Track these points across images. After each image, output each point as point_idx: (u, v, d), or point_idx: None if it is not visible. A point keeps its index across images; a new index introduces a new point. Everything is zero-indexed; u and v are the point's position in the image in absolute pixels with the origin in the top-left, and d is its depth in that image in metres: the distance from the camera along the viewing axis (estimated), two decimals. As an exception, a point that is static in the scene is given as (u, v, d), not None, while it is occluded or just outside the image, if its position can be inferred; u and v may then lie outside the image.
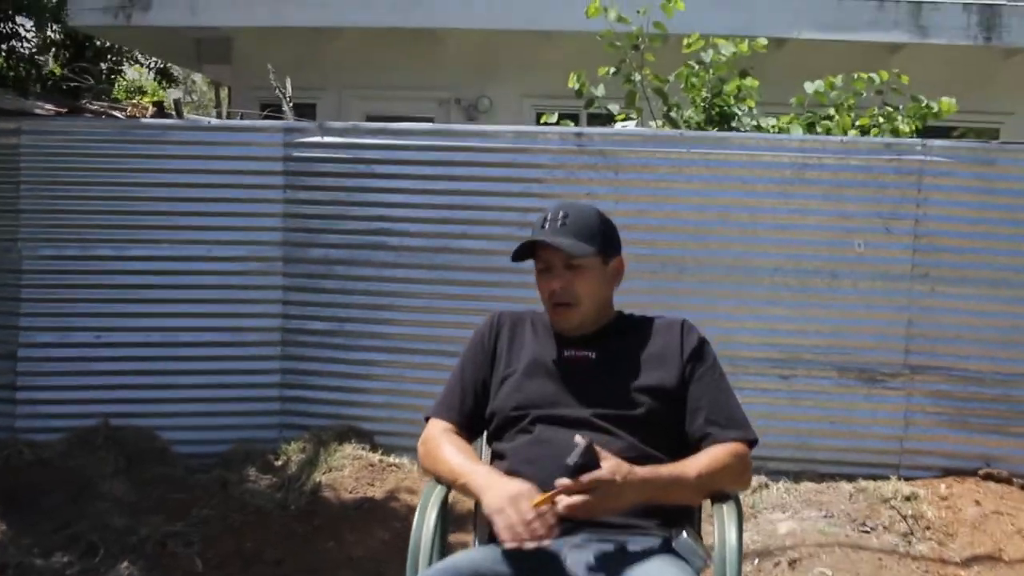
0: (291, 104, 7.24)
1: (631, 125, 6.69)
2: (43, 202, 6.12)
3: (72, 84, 10.31)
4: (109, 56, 13.26)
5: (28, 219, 6.11)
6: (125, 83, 14.42)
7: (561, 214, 2.64)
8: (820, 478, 5.72)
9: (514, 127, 6.25)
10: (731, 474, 2.55)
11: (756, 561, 4.74)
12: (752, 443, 2.62)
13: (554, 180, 5.98)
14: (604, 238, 2.69)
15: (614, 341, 2.70)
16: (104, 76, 12.45)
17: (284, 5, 9.54)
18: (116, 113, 6.70)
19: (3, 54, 11.41)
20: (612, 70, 6.80)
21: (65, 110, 6.59)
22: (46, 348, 6.12)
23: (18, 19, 10.91)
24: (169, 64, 13.69)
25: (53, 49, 12.56)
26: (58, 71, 12.43)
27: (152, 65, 13.96)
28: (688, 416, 2.62)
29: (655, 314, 2.82)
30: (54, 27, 10.98)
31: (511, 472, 2.48)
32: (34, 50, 11.98)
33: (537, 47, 10.16)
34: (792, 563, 4.69)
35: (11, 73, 11.14)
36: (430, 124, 6.83)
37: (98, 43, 12.68)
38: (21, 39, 11.20)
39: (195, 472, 5.68)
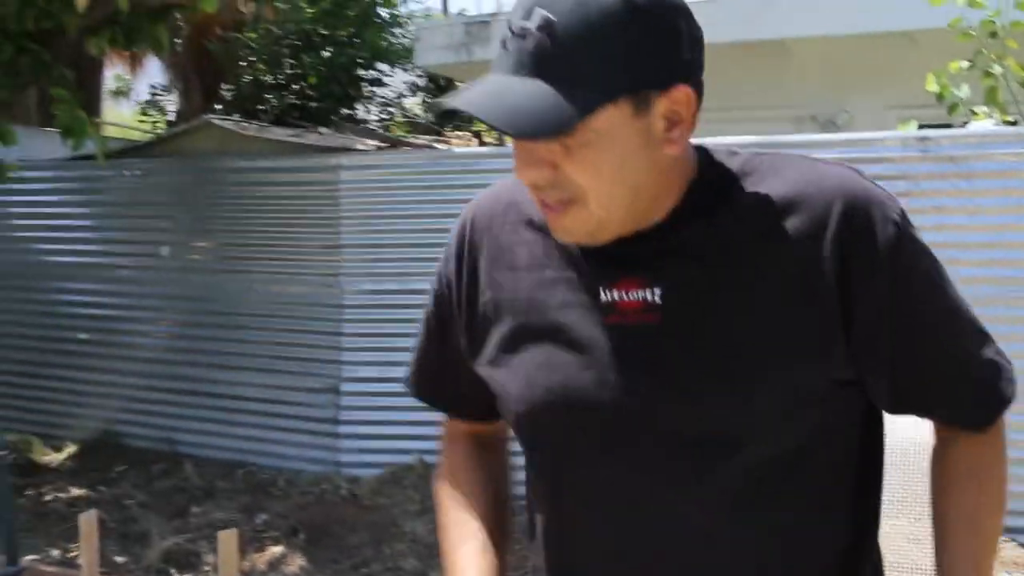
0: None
1: (990, 124, 5.80)
2: (362, 236, 6.14)
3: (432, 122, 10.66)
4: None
5: (349, 254, 6.16)
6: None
7: (536, 20, 1.15)
8: None
9: (846, 135, 5.60)
10: (998, 504, 1.38)
11: None
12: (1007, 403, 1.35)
13: (895, 193, 5.25)
14: (628, 55, 1.17)
15: (701, 246, 1.27)
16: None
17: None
18: (439, 145, 6.67)
19: (371, 98, 11.96)
20: (966, 64, 5.95)
21: (387, 144, 6.62)
22: (366, 383, 6.11)
23: (379, 65, 11.38)
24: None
25: (416, 91, 13.05)
26: (419, 111, 12.90)
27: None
28: (876, 386, 1.31)
29: (789, 161, 1.32)
30: (413, 70, 11.36)
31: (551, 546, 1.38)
32: (397, 94, 12.48)
33: (902, 51, 9.29)
34: None
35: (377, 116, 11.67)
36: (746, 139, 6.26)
37: (457, 82, 13.05)
38: (383, 84, 11.69)
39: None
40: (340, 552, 4.99)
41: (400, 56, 10.84)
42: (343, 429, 6.13)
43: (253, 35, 10.99)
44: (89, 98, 14.20)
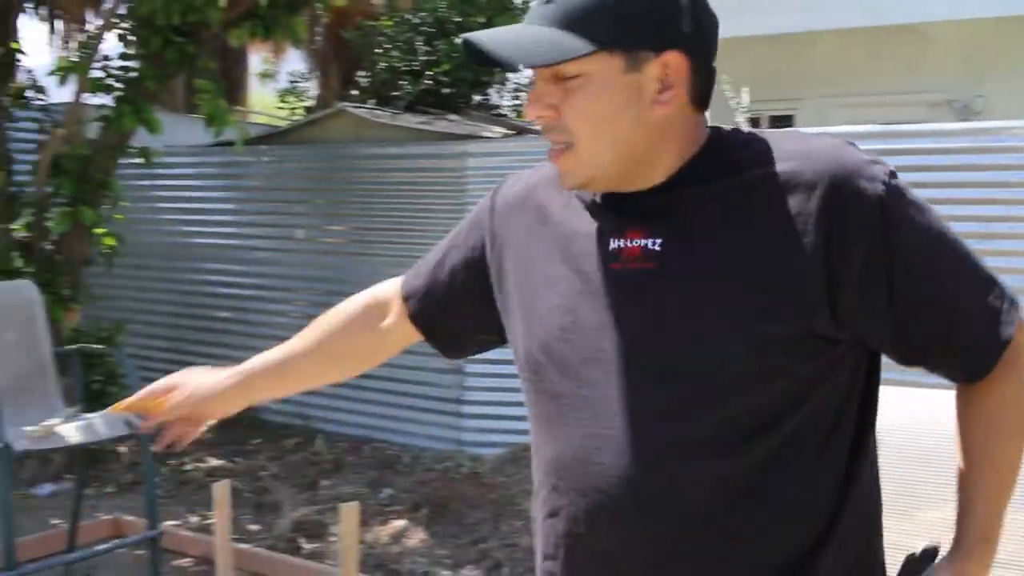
0: (746, 117, 6.93)
1: None
2: (488, 222, 6.29)
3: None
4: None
5: (474, 239, 6.31)
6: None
7: None
8: None
9: (977, 123, 5.48)
10: (1019, 434, 1.46)
11: None
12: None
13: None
14: (627, 18, 1.34)
15: (701, 207, 1.39)
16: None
17: (745, 15, 9.21)
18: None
19: (503, 84, 12.09)
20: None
21: (514, 131, 6.75)
22: (489, 364, 6.26)
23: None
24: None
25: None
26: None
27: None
28: (881, 338, 1.39)
29: (787, 138, 1.42)
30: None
31: (547, 509, 1.50)
32: (529, 79, 12.60)
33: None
34: None
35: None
36: (876, 126, 6.17)
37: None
38: (515, 70, 11.82)
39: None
40: (460, 528, 5.15)
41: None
42: (466, 409, 6.30)
43: (389, 23, 11.24)
44: (234, 84, 14.78)
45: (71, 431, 4.07)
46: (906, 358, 1.42)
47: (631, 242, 1.40)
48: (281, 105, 14.44)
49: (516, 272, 1.55)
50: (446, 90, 10.76)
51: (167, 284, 7.95)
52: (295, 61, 14.47)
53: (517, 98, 12.50)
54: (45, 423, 4.08)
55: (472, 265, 1.64)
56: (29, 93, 7.01)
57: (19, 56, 6.89)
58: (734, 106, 6.92)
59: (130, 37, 6.44)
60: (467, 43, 1.40)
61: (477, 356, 6.00)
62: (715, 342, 1.33)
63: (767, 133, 1.43)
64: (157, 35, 6.20)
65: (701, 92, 1.39)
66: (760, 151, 1.39)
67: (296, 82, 13.82)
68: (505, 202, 1.61)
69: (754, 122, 10.45)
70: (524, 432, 5.63)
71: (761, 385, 1.33)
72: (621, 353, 1.37)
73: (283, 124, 9.94)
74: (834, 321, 1.33)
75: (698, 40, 1.36)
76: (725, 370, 1.33)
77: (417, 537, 5.02)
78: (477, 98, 11.22)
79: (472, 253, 1.64)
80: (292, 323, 7.31)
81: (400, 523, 5.18)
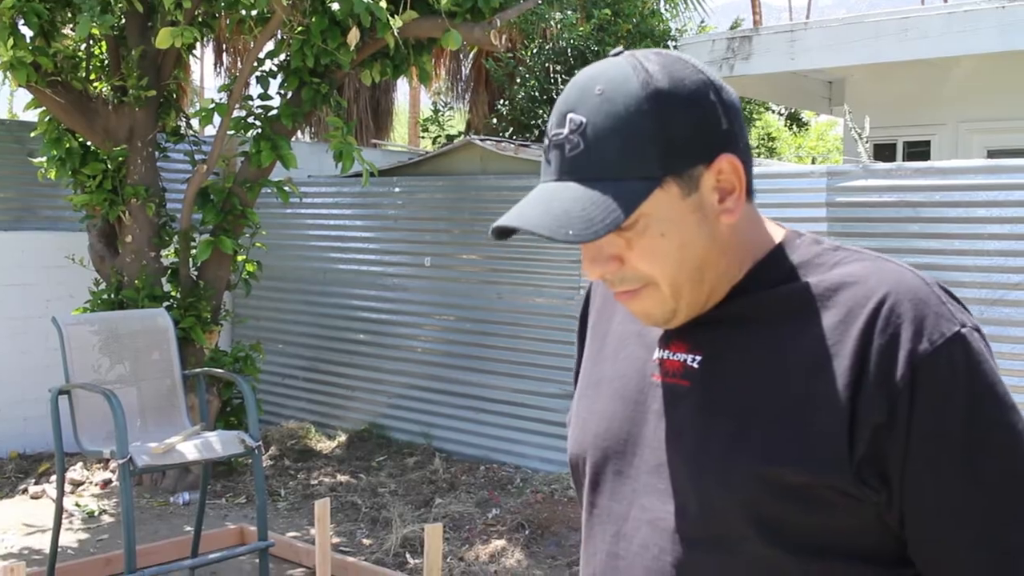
0: (867, 143, 6.95)
1: None
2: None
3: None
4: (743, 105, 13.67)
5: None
6: (756, 130, 14.74)
7: (569, 126, 1.20)
8: None
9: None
10: None
11: None
12: None
13: None
14: (672, 142, 1.18)
15: (745, 321, 1.27)
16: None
17: (881, 41, 9.15)
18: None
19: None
20: None
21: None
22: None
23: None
24: (798, 109, 13.77)
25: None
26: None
27: (783, 111, 14.14)
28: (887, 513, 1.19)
29: (861, 256, 1.26)
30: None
31: None
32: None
33: None
34: None
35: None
36: (983, 161, 6.12)
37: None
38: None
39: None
40: (558, 549, 5.36)
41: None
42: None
43: (528, 53, 11.55)
44: (381, 113, 15.32)
45: (190, 448, 4.47)
46: (909, 550, 1.21)
47: (673, 355, 1.30)
48: (423, 134, 14.94)
49: (584, 368, 1.47)
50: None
51: (306, 307, 8.42)
52: (439, 90, 14.95)
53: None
54: (168, 440, 4.48)
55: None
56: (182, 128, 7.55)
57: (175, 95, 7.44)
58: (855, 136, 6.95)
59: (269, 79, 6.89)
60: (499, 228, 1.24)
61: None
62: (722, 490, 1.21)
63: (846, 248, 1.27)
64: (293, 76, 6.65)
65: (750, 182, 1.26)
66: (826, 265, 1.25)
67: (437, 111, 14.27)
68: (598, 293, 1.51)
69: (889, 148, 10.36)
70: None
71: (777, 534, 1.19)
72: (645, 471, 1.29)
73: (421, 153, 10.32)
74: (852, 471, 1.15)
75: (738, 130, 1.24)
76: (737, 518, 1.21)
77: (515, 557, 5.25)
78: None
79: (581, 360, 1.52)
80: (422, 346, 7.69)
81: (501, 542, 5.41)
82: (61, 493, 4.66)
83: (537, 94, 11.31)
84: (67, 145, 6.78)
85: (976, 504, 1.14)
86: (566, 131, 1.19)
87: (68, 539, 5.62)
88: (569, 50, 11.34)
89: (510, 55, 11.81)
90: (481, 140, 7.90)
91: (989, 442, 1.14)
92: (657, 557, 1.26)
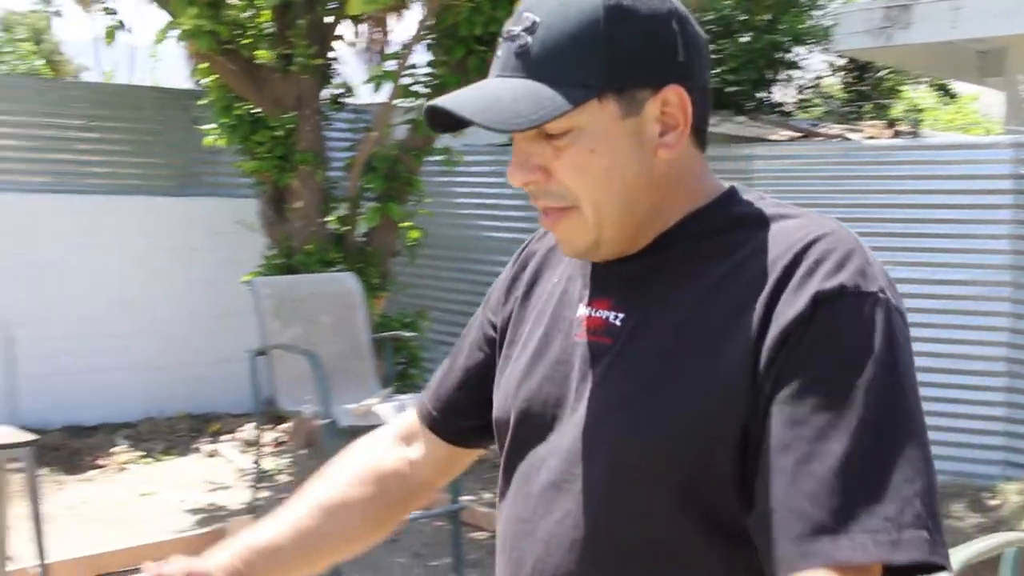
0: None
1: None
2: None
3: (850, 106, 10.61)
4: (885, 77, 13.32)
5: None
6: (903, 103, 14.36)
7: (523, 24, 1.16)
8: None
9: None
10: None
11: None
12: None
13: None
14: (618, 56, 1.14)
15: (671, 278, 1.19)
16: (882, 96, 12.57)
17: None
18: (850, 136, 6.79)
19: (788, 81, 12.05)
20: None
21: (801, 134, 6.82)
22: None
23: (796, 48, 11.45)
24: (948, 81, 13.38)
25: (834, 72, 12.98)
26: (840, 95, 12.83)
27: (932, 83, 13.75)
28: (757, 496, 1.07)
29: (797, 213, 1.18)
30: (830, 51, 11.35)
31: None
32: (815, 77, 12.49)
33: None
34: None
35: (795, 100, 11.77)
36: None
37: (876, 66, 12.83)
38: (799, 67, 11.75)
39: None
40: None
41: (819, 37, 10.87)
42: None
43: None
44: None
45: (387, 410, 4.52)
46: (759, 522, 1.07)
47: (596, 312, 1.22)
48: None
49: (510, 330, 1.37)
50: (730, 89, 10.84)
51: (464, 275, 8.46)
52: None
53: (802, 92, 12.42)
54: (364, 402, 4.54)
55: (487, 341, 1.43)
56: (342, 96, 7.61)
57: (334, 64, 7.51)
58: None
59: (435, 47, 6.91)
60: (431, 111, 1.18)
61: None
62: (636, 441, 1.14)
63: (785, 206, 1.20)
64: (460, 44, 6.66)
65: (701, 127, 1.20)
66: (760, 221, 1.17)
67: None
68: (529, 254, 1.42)
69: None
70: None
71: (676, 491, 1.11)
72: (561, 432, 1.22)
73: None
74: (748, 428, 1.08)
75: (692, 67, 1.17)
76: (644, 469, 1.13)
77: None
78: (760, 95, 11.24)
79: (484, 329, 1.44)
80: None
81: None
82: (258, 451, 4.75)
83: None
84: (237, 112, 6.89)
85: (858, 428, 1.02)
86: (519, 29, 1.15)
87: (246, 497, 5.74)
88: (717, 19, 11.19)
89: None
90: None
91: (864, 412, 1.02)
92: (560, 521, 1.19)
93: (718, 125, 7.65)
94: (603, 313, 1.22)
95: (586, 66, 1.12)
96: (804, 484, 1.02)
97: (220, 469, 6.36)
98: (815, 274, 1.08)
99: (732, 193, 1.23)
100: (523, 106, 1.11)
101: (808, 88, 13.09)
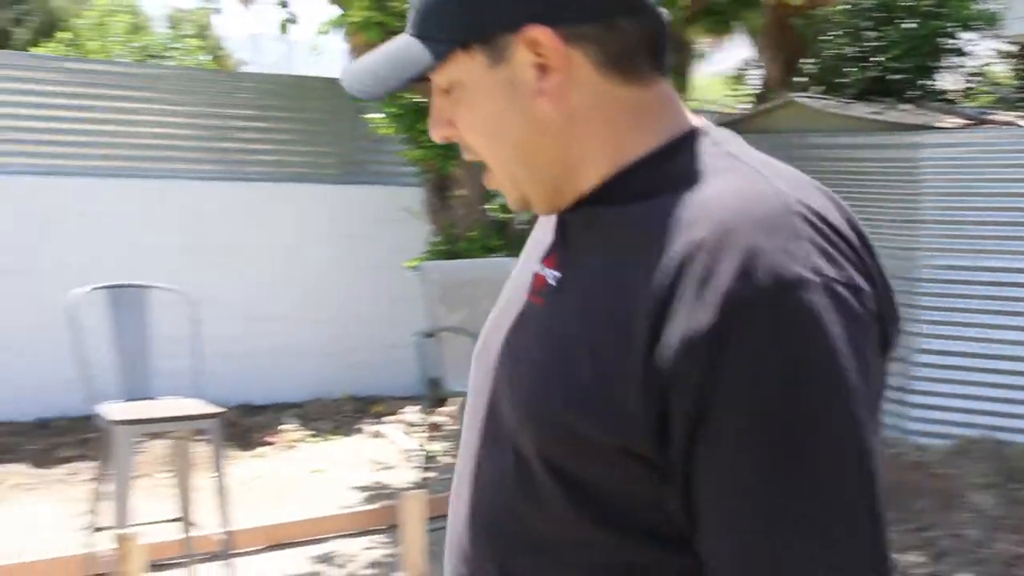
0: None
1: None
2: (943, 213, 6.26)
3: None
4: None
5: (927, 229, 6.30)
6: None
7: None
8: None
9: None
10: None
11: None
12: None
13: None
14: (470, 1, 1.06)
15: (593, 245, 1.07)
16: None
17: None
18: (1022, 123, 6.58)
19: (953, 68, 11.72)
20: None
21: (972, 122, 6.65)
22: (940, 355, 6.25)
23: (962, 34, 11.11)
24: None
25: (1003, 58, 12.53)
26: (1010, 82, 12.41)
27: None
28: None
29: (747, 172, 1.00)
30: (999, 37, 10.99)
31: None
32: (982, 63, 12.10)
33: None
34: None
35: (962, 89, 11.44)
36: None
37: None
38: (965, 54, 11.39)
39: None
40: (906, 513, 5.22)
41: (986, 22, 10.52)
42: (913, 399, 6.31)
43: (836, 9, 11.17)
44: (681, 72, 15.19)
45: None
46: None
47: (543, 269, 1.12)
48: (729, 93, 14.73)
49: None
50: (893, 76, 10.56)
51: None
52: (737, 49, 14.70)
53: (970, 79, 12.04)
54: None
55: None
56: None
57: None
58: None
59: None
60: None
61: (927, 348, 6.04)
62: (520, 417, 1.06)
63: (746, 157, 1.04)
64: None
65: (615, 60, 1.04)
66: (705, 176, 1.00)
67: (743, 69, 13.99)
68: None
69: None
70: (972, 425, 5.70)
71: (561, 480, 1.02)
72: (492, 393, 1.12)
73: (733, 112, 10.23)
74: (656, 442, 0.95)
75: (570, 8, 1.03)
76: (531, 446, 1.04)
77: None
78: (924, 82, 10.92)
79: None
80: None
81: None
82: (428, 432, 4.87)
83: (847, 52, 10.94)
84: (402, 102, 7.05)
85: (759, 495, 0.89)
86: None
87: (412, 477, 5.89)
88: (880, 5, 10.91)
89: (818, 11, 11.48)
90: (804, 97, 7.72)
91: (796, 433, 0.89)
92: (467, 501, 1.13)
93: (882, 114, 7.48)
94: (547, 271, 1.11)
95: (446, 15, 1.07)
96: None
97: (385, 449, 6.53)
98: (720, 271, 0.91)
99: (685, 141, 1.06)
100: (384, 70, 1.09)
101: (975, 75, 12.66)
